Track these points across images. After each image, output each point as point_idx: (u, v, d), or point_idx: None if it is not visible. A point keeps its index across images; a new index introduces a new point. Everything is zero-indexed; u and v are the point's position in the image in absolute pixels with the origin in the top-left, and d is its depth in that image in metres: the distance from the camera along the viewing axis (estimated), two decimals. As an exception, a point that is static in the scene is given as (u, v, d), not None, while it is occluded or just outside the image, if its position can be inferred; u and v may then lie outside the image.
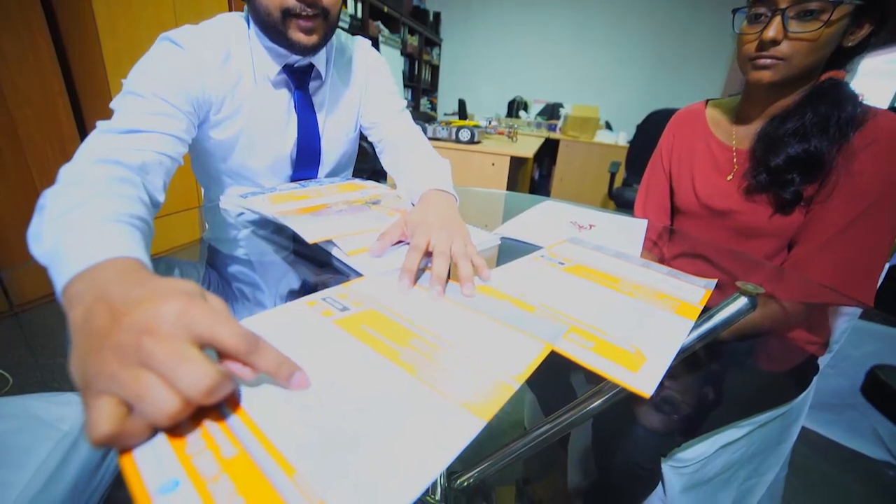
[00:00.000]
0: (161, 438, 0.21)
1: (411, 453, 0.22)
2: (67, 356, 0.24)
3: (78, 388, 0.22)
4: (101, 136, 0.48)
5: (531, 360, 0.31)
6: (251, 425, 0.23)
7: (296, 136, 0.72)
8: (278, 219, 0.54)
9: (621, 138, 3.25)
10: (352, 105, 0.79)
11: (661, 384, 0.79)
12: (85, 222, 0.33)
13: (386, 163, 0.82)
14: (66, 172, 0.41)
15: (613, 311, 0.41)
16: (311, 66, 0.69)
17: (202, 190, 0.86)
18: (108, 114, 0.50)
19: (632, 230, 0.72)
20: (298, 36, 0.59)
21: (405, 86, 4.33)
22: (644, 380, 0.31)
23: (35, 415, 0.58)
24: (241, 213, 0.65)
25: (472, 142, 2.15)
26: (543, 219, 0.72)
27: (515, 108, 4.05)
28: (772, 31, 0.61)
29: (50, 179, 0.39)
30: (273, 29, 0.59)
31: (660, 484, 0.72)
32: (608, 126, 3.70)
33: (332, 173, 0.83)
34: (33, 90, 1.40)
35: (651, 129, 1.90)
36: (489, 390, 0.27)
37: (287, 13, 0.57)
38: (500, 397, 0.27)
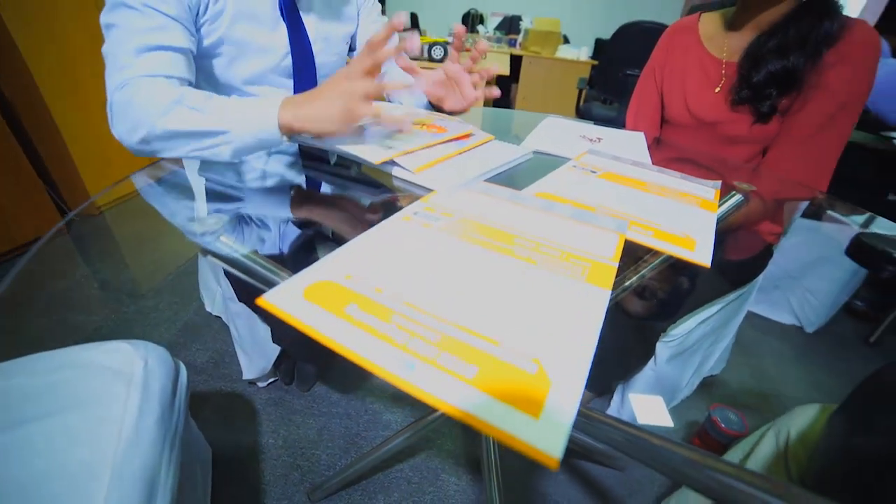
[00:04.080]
0: (375, 342, 0.25)
1: (572, 320, 0.28)
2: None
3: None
4: (155, 84, 0.52)
5: (616, 245, 0.38)
6: (438, 318, 0.27)
7: (287, 45, 0.67)
8: (328, 144, 0.54)
9: (583, 53, 3.22)
10: (348, 16, 0.75)
11: (643, 275, 0.91)
12: (232, 100, 0.52)
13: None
14: (167, 99, 0.50)
15: (655, 208, 0.48)
16: None
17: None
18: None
19: (634, 142, 0.78)
20: None
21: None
22: (701, 254, 0.39)
23: (92, 362, 0.58)
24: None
25: (444, 59, 2.05)
26: (557, 134, 0.76)
27: (472, 21, 3.81)
28: None
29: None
30: None
31: (652, 357, 0.88)
32: (566, 40, 3.61)
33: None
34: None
35: (620, 45, 1.90)
36: (599, 270, 0.34)
37: None
38: (610, 273, 0.33)
